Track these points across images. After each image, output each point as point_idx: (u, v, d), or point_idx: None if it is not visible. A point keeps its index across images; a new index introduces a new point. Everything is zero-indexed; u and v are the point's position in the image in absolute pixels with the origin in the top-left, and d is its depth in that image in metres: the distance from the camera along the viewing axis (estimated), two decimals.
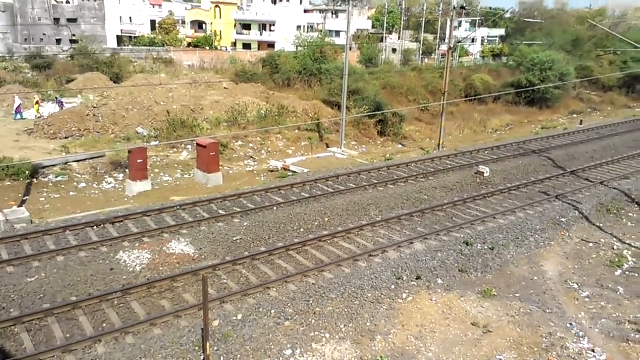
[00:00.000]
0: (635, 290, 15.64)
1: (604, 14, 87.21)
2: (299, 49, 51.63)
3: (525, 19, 63.69)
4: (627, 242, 19.00)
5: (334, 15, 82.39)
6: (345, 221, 19.11)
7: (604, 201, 22.18)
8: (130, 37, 76.55)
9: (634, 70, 53.42)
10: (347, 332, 12.72)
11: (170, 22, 78.88)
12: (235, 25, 79.16)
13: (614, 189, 23.68)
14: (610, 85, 56.33)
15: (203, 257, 15.86)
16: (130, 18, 79.87)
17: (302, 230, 18.18)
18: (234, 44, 78.70)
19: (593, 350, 12.65)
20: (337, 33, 75.15)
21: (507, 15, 77.80)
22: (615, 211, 21.60)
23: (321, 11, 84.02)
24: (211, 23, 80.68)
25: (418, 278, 15.37)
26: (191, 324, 12.33)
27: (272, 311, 13.01)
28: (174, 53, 61.49)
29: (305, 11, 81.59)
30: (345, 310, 13.46)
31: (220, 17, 79.50)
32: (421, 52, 75.72)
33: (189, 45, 76.41)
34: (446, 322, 13.48)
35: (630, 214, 21.65)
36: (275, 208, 19.79)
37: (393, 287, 14.81)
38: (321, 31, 69.51)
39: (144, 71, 47.88)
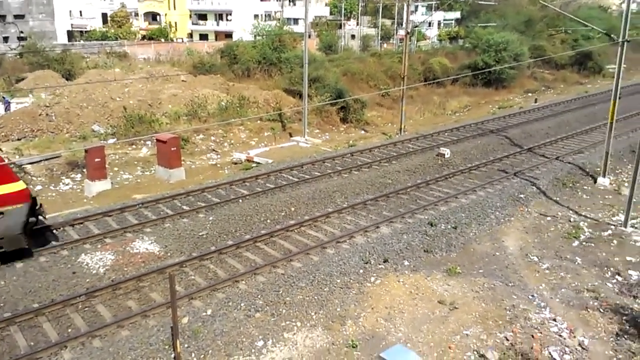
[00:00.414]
0: (591, 259, 16.33)
1: None
2: (257, 38, 51.05)
3: (479, 2, 64.72)
4: (583, 213, 19.78)
5: (291, 3, 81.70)
6: (312, 209, 19.18)
7: (559, 176, 22.97)
8: (81, 31, 74.00)
9: (584, 48, 55.18)
10: (317, 319, 12.83)
11: (122, 14, 76.59)
12: (190, 16, 77.54)
13: (569, 163, 24.55)
14: (563, 63, 58.01)
15: (169, 254, 15.65)
16: (81, 12, 77.19)
17: (268, 221, 18.15)
18: (190, 35, 77.14)
19: (554, 320, 13.18)
20: (295, 21, 74.61)
21: None
22: (570, 185, 22.41)
23: None
24: (165, 14, 78.81)
25: (385, 261, 15.61)
26: (160, 322, 12.18)
27: (242, 304, 12.99)
28: (128, 46, 59.78)
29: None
30: (315, 297, 13.56)
31: (175, 7, 77.71)
32: (379, 38, 76.06)
33: (143, 37, 74.44)
34: (414, 302, 13.77)
35: (585, 187, 22.51)
36: (240, 200, 19.67)
37: (361, 271, 15.00)
38: (279, 19, 68.89)
39: (97, 66, 46.30)
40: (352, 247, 16.18)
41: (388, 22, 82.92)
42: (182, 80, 39.01)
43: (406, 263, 15.75)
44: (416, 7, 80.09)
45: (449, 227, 17.91)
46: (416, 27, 68.47)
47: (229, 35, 70.68)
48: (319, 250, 15.91)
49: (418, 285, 14.49)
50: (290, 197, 20.03)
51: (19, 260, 14.74)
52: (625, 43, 21.37)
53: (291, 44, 49.91)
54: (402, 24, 65.73)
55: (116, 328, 12.02)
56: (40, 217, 15.58)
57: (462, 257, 16.37)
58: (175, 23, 77.09)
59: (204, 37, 75.23)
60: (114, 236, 16.60)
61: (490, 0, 64.69)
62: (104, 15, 78.43)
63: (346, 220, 18.30)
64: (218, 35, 73.85)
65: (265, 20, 65.39)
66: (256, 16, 70.81)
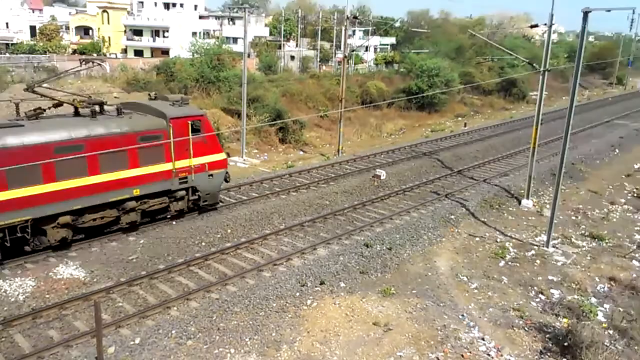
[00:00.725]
0: (517, 279, 17.14)
1: (483, 23, 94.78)
2: (196, 56, 50.42)
3: (413, 29, 67.45)
4: (509, 234, 20.78)
5: (231, 22, 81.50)
6: (249, 231, 18.95)
7: (487, 197, 24.09)
8: (7, 44, 70.01)
9: (510, 75, 58.69)
10: (252, 344, 12.59)
11: (52, 27, 73.24)
12: (125, 31, 75.44)
13: (496, 185, 25.82)
14: (490, 89, 61.34)
15: (95, 280, 14.88)
16: (7, 24, 73.11)
17: (203, 243, 17.73)
18: (125, 51, 74.92)
19: (483, 339, 13.66)
20: (235, 40, 74.37)
21: (397, 25, 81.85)
22: (497, 206, 23.53)
23: (217, 17, 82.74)
24: (98, 29, 76.19)
25: (322, 283, 15.64)
26: (84, 353, 11.50)
27: (173, 331, 12.54)
28: (58, 61, 57.15)
29: (201, 17, 79.91)
30: (250, 322, 13.33)
31: (109, 22, 75.35)
32: (319, 60, 77.36)
33: (74, 52, 71.44)
34: (349, 324, 13.84)
35: (510, 208, 23.70)
36: (174, 222, 19.11)
37: (298, 294, 14.93)
38: (218, 38, 68.47)
39: (23, 81, 43.90)
40: (289, 269, 16.11)
41: (327, 44, 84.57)
42: (115, 97, 37.70)
43: (342, 285, 15.85)
44: (354, 31, 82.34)
45: (384, 248, 18.25)
46: (353, 51, 70.23)
47: (165, 52, 69.28)
48: (255, 273, 15.71)
49: (354, 307, 14.60)
50: (227, 219, 19.71)
51: None
52: (546, 72, 22.93)
53: (230, 63, 49.62)
54: (340, 47, 67.26)
55: (36, 359, 11.24)
56: (226, 181, 20.80)
57: (397, 278, 16.69)
58: (109, 38, 74.70)
59: (139, 53, 73.30)
60: (35, 261, 15.60)
61: (424, 28, 67.63)
62: (32, 28, 74.72)
63: (283, 242, 18.22)
64: (154, 51, 72.21)
65: (203, 39, 64.70)
66: (194, 34, 69.95)
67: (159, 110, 18.12)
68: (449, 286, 16.36)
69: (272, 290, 14.80)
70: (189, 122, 18.45)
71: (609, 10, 24.47)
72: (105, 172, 16.36)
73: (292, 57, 77.68)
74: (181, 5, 76.18)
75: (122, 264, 15.82)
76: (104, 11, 75.12)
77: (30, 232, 15.16)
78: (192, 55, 50.95)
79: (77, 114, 17.17)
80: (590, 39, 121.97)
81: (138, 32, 75.55)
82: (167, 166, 18.06)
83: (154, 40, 74.47)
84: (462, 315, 14.67)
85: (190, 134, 18.46)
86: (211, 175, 19.50)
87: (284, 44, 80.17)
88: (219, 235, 18.37)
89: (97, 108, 17.12)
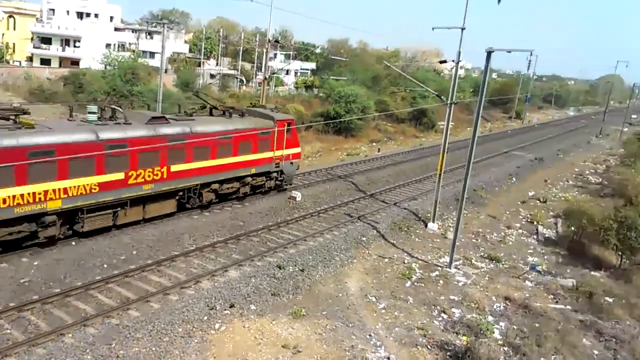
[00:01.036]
0: (422, 298, 17.85)
1: (398, 55, 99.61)
2: (108, 68, 48.36)
3: (333, 56, 69.45)
4: (415, 255, 21.68)
5: (148, 36, 79.22)
6: (156, 253, 18.21)
7: (396, 220, 25.03)
8: None
9: (420, 105, 61.93)
10: None
11: None
12: (32, 39, 70.83)
13: (405, 209, 26.93)
14: (402, 118, 64.21)
15: None
16: None
17: (105, 266, 16.77)
18: (30, 59, 70.27)
19: (388, 358, 14.03)
20: (152, 54, 72.28)
21: (318, 51, 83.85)
22: (405, 229, 24.50)
23: (134, 30, 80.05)
24: (3, 34, 70.94)
25: (232, 306, 15.34)
26: None
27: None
28: None
29: (117, 29, 76.97)
30: (153, 349, 12.74)
31: (15, 28, 70.43)
32: (239, 80, 77.13)
33: None
34: (258, 347, 13.65)
35: (418, 231, 24.78)
36: (74, 243, 17.96)
37: (206, 318, 14.52)
38: (134, 51, 66.25)
39: None
40: (198, 292, 15.65)
41: (248, 65, 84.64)
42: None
43: (253, 307, 15.64)
44: (275, 54, 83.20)
45: (297, 269, 18.30)
46: (274, 73, 70.87)
47: (75, 62, 65.80)
48: (160, 297, 15.08)
49: (263, 330, 14.44)
50: (132, 240, 18.84)
51: None
52: (453, 104, 24.51)
53: (146, 78, 48.13)
54: (261, 69, 67.56)
55: None
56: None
57: (308, 299, 16.75)
58: (14, 44, 69.75)
59: (46, 62, 68.96)
60: None
61: (343, 56, 69.83)
62: None
63: (193, 264, 17.70)
64: (63, 61, 68.33)
65: (118, 51, 62.24)
66: (108, 45, 67.15)
67: (269, 114, 25.69)
68: (358, 307, 16.69)
69: (179, 314, 14.28)
70: (286, 123, 26.05)
71: (509, 51, 26.77)
72: (240, 155, 23.55)
73: (212, 76, 76.85)
74: (96, 15, 72.98)
75: (12, 287, 14.55)
76: (10, 16, 70.18)
77: (196, 194, 22.02)
78: (104, 67, 48.85)
79: (211, 114, 24.64)
80: (494, 75, 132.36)
81: (47, 40, 71.26)
82: (270, 154, 25.35)
83: (63, 50, 70.53)
84: (370, 335, 15.00)
85: (285, 132, 25.79)
86: (292, 162, 27.04)
87: (204, 62, 79.16)
88: (123, 257, 17.48)
89: (229, 111, 24.63)
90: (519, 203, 32.57)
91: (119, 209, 19.14)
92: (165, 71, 64.90)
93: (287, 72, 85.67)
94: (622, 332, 16.44)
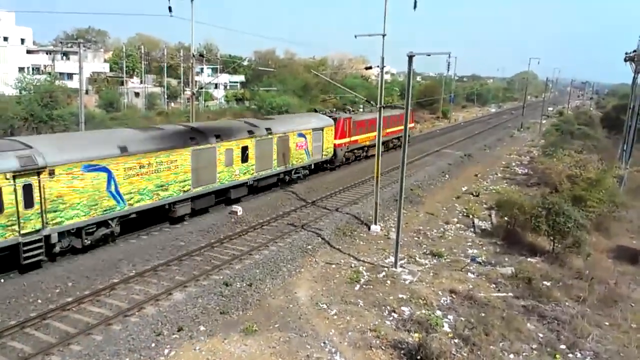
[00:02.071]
0: (371, 300, 18.01)
1: (326, 63, 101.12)
2: (24, 92, 45.59)
3: (261, 68, 69.40)
4: (361, 259, 21.89)
5: (64, 57, 75.55)
6: (93, 282, 17.23)
7: (340, 225, 25.20)
8: None
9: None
10: None
11: None
12: None
13: (347, 213, 27.18)
14: None
15: None
16: None
17: (39, 301, 15.68)
18: None
19: None
20: (70, 76, 68.98)
21: (245, 63, 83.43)
22: (349, 233, 24.72)
23: (48, 52, 76.12)
24: None
25: (180, 330, 14.78)
26: None
27: None
28: None
29: (29, 52, 72.93)
30: None
31: None
32: (166, 96, 75.19)
33: None
34: None
35: (361, 234, 25.07)
36: (2, 280, 16.63)
37: (153, 345, 13.89)
38: (50, 74, 62.87)
39: None
40: (142, 319, 14.94)
41: (174, 81, 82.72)
42: None
43: (202, 328, 15.14)
44: (202, 68, 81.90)
45: (245, 284, 17.94)
46: (202, 88, 69.70)
47: None
48: (102, 328, 14.27)
49: (215, 351, 14.01)
50: (66, 271, 17.74)
51: None
52: (382, 108, 25.09)
53: (65, 101, 45.84)
54: (189, 84, 66.18)
55: None
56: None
57: (259, 314, 16.45)
58: None
59: None
60: None
61: (270, 67, 69.88)
62: None
63: (134, 290, 16.90)
64: None
65: (33, 74, 58.85)
66: (22, 69, 63.44)
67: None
68: (310, 315, 16.59)
69: (124, 344, 13.56)
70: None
71: (429, 55, 28.11)
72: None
73: (137, 94, 74.45)
74: (5, 38, 68.84)
75: None
76: None
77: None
78: (19, 92, 46.05)
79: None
80: (418, 79, 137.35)
81: None
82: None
83: None
84: (324, 343, 14.93)
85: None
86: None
87: (126, 81, 76.55)
88: (57, 291, 16.40)
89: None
90: (454, 199, 33.83)
91: None
92: (86, 92, 62.17)
93: (216, 86, 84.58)
94: (562, 313, 17.36)
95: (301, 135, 32.31)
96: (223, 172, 25.73)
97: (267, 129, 29.10)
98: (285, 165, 31.03)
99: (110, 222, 20.05)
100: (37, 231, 17.19)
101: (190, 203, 24.01)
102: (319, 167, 36.64)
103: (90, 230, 19.39)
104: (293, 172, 32.41)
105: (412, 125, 41.14)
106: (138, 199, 20.90)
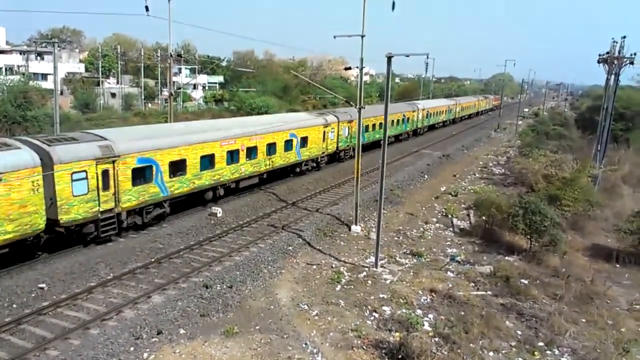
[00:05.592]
0: (352, 300, 18.04)
1: (305, 64, 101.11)
2: None
3: (240, 68, 69.05)
4: (342, 259, 21.92)
5: (39, 57, 74.05)
6: (70, 286, 16.90)
7: (320, 226, 25.19)
8: None
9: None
10: None
11: None
12: None
13: (327, 214, 27.19)
14: None
15: None
16: None
17: (14, 305, 15.32)
18: None
19: None
20: (44, 76, 67.63)
21: (224, 64, 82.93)
22: (330, 234, 24.72)
23: (22, 52, 74.54)
24: None
25: (159, 333, 14.58)
26: None
27: None
28: None
29: (2, 52, 71.31)
30: None
31: None
32: (143, 97, 74.24)
33: None
34: None
35: (342, 235, 25.10)
36: None
37: (132, 348, 13.68)
38: (24, 74, 61.55)
39: None
40: (120, 323, 14.70)
41: (152, 82, 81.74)
42: None
43: (182, 331, 14.96)
44: (180, 69, 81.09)
45: (225, 287, 17.79)
46: (180, 88, 69.01)
47: None
48: (80, 332, 14.00)
49: (195, 354, 13.86)
50: (41, 275, 17.36)
51: None
52: (362, 109, 25.18)
53: (40, 101, 44.95)
54: (166, 85, 65.45)
55: None
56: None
57: (239, 316, 16.33)
58: None
59: None
60: None
61: (249, 68, 69.56)
62: None
63: (112, 293, 16.62)
64: None
65: (6, 75, 57.52)
66: None
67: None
68: (291, 317, 16.53)
69: (102, 348, 13.32)
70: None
71: (407, 56, 28.10)
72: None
73: (114, 95, 73.38)
74: None
75: None
76: None
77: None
78: None
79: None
80: (397, 80, 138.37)
81: None
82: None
83: None
84: (306, 344, 14.89)
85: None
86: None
87: (102, 81, 75.39)
88: (33, 295, 16.04)
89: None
90: (433, 199, 34.12)
91: None
92: (61, 93, 61.02)
93: (195, 87, 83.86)
94: (540, 311, 17.67)
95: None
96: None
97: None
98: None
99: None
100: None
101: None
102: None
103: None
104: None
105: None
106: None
